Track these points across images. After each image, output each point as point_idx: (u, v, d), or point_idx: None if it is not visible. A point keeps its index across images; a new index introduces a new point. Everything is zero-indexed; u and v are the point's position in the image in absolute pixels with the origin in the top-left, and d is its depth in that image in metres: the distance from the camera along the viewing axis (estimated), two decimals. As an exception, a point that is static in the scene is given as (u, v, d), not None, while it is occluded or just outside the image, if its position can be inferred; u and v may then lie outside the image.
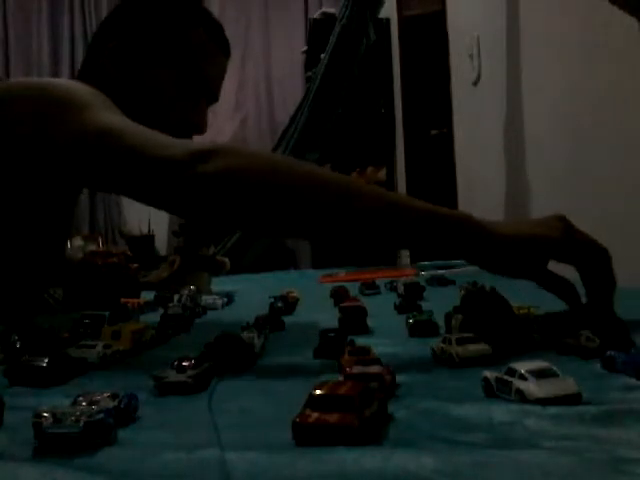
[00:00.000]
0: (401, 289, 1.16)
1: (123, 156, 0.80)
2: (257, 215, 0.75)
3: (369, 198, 0.75)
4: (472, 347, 0.61)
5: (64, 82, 0.99)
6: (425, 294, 1.15)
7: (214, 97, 1.18)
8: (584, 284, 0.74)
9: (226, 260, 1.62)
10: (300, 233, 0.87)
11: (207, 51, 1.13)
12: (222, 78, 1.19)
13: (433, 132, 3.03)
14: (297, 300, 1.16)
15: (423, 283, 1.22)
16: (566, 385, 0.46)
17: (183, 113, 1.11)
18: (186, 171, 0.75)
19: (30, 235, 1.05)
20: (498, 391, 0.49)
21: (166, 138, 0.81)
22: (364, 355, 0.60)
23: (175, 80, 1.10)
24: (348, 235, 0.77)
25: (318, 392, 0.42)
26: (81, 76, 1.11)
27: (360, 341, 0.69)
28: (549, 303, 0.86)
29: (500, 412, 0.45)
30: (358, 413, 0.40)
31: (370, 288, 1.30)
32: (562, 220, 0.74)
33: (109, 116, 0.87)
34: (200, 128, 1.15)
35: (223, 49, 1.16)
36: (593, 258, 0.73)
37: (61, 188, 1.06)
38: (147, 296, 1.30)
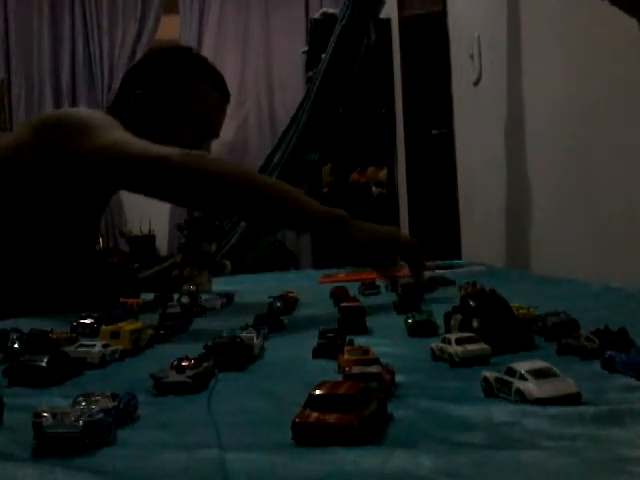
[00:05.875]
0: (400, 289, 1.15)
1: (124, 160, 1.13)
2: (210, 195, 1.14)
3: (269, 186, 1.18)
4: (472, 347, 0.61)
5: (86, 110, 1.34)
6: (424, 294, 1.14)
7: (216, 134, 1.47)
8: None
9: (227, 262, 1.62)
10: (232, 209, 1.27)
11: (211, 99, 1.42)
12: (223, 119, 1.48)
13: (434, 132, 3.03)
14: (296, 300, 1.16)
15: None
16: (566, 385, 0.46)
17: (191, 148, 1.34)
18: (170, 165, 1.11)
19: (62, 233, 1.27)
20: (498, 391, 0.49)
21: (157, 145, 1.14)
22: (363, 355, 0.60)
23: (185, 123, 1.39)
24: (255, 214, 1.20)
25: (317, 392, 0.42)
26: (111, 111, 1.39)
27: (359, 341, 0.69)
28: (548, 303, 0.86)
29: (500, 412, 0.45)
30: (357, 413, 0.40)
31: (370, 288, 1.30)
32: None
33: (118, 133, 1.19)
34: None
35: (225, 96, 1.46)
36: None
37: (87, 193, 1.30)
38: (147, 296, 1.29)
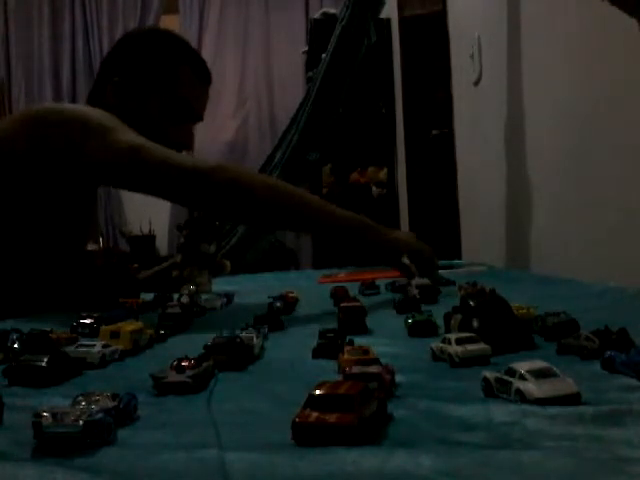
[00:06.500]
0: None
1: (156, 166, 1.11)
2: (243, 208, 1.15)
3: (308, 204, 1.20)
4: (472, 347, 0.61)
5: (91, 110, 1.24)
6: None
7: (199, 118, 1.43)
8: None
9: (227, 262, 1.62)
10: (264, 221, 1.28)
11: (192, 84, 1.37)
12: (206, 102, 1.44)
13: (434, 132, 3.03)
14: (296, 300, 1.16)
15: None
16: (565, 385, 0.46)
17: (172, 135, 1.34)
18: (207, 178, 1.11)
19: (51, 232, 1.23)
20: (498, 391, 0.49)
21: (182, 154, 1.19)
22: (363, 355, 0.60)
23: (165, 109, 1.34)
24: (289, 226, 1.29)
25: (317, 392, 0.42)
26: (89, 102, 1.35)
27: (359, 341, 0.69)
28: (548, 303, 0.86)
29: (500, 412, 0.45)
30: (357, 413, 0.40)
31: (370, 288, 1.30)
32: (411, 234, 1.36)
33: (133, 135, 1.15)
34: (187, 146, 1.40)
35: (205, 79, 1.41)
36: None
37: (80, 192, 1.26)
38: (146, 296, 1.29)
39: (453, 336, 0.63)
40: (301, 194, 1.23)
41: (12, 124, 1.22)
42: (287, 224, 1.23)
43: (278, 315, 0.95)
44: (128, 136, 1.15)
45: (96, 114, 1.20)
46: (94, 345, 0.69)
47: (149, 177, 1.13)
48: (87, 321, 0.88)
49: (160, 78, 1.34)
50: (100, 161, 1.14)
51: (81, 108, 1.25)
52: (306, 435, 0.39)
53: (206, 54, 5.06)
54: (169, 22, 5.06)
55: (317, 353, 0.69)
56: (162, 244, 4.77)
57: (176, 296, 1.17)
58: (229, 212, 1.21)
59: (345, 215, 1.22)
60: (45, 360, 0.60)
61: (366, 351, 0.61)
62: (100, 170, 1.15)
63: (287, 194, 1.19)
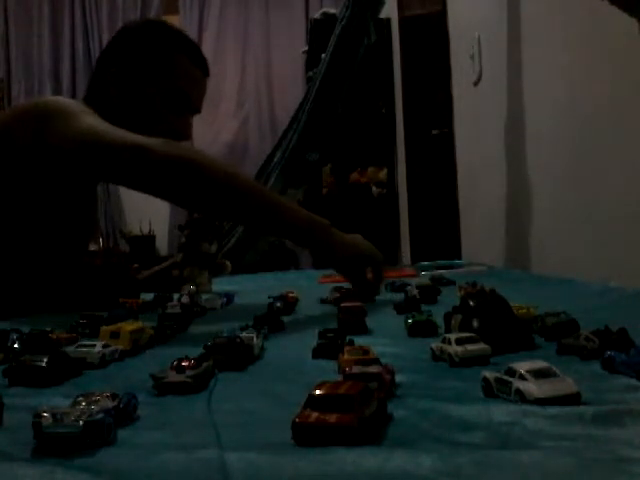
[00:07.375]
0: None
1: (103, 146, 1.10)
2: (188, 186, 1.09)
3: (252, 187, 1.16)
4: (472, 347, 0.61)
5: (56, 98, 1.27)
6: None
7: (197, 110, 1.42)
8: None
9: (227, 263, 1.62)
10: (210, 205, 1.15)
11: (189, 74, 1.37)
12: (203, 94, 1.43)
13: (434, 132, 3.03)
14: (296, 300, 1.16)
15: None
16: (565, 385, 0.46)
17: (170, 125, 1.34)
18: (152, 152, 1.08)
19: (51, 231, 1.24)
20: (498, 391, 0.49)
21: (130, 133, 1.12)
22: (363, 355, 0.60)
23: (162, 99, 1.34)
24: (236, 212, 1.15)
25: (317, 392, 0.42)
26: (88, 94, 1.36)
27: (359, 341, 0.69)
28: (548, 303, 0.86)
29: (500, 412, 0.45)
30: (357, 413, 0.40)
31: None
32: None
33: (91, 119, 1.16)
34: (185, 136, 1.39)
35: (203, 70, 1.41)
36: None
37: (80, 191, 1.28)
38: (146, 296, 1.29)
39: (453, 336, 0.63)
40: (258, 186, 1.21)
41: (8, 117, 1.24)
42: (235, 210, 1.14)
43: (278, 315, 0.95)
44: (85, 122, 1.13)
45: (63, 102, 1.21)
46: (94, 345, 0.69)
47: (100, 159, 1.11)
48: (87, 321, 0.88)
49: (156, 67, 1.34)
50: (57, 147, 1.13)
51: (52, 98, 1.27)
52: (306, 435, 0.39)
53: (206, 54, 5.02)
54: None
55: (317, 353, 0.69)
56: (162, 244, 4.77)
57: (176, 296, 1.17)
58: (173, 191, 1.11)
59: (302, 214, 1.15)
60: (45, 360, 0.60)
61: (366, 351, 0.61)
62: (60, 156, 1.14)
63: (240, 181, 1.14)
